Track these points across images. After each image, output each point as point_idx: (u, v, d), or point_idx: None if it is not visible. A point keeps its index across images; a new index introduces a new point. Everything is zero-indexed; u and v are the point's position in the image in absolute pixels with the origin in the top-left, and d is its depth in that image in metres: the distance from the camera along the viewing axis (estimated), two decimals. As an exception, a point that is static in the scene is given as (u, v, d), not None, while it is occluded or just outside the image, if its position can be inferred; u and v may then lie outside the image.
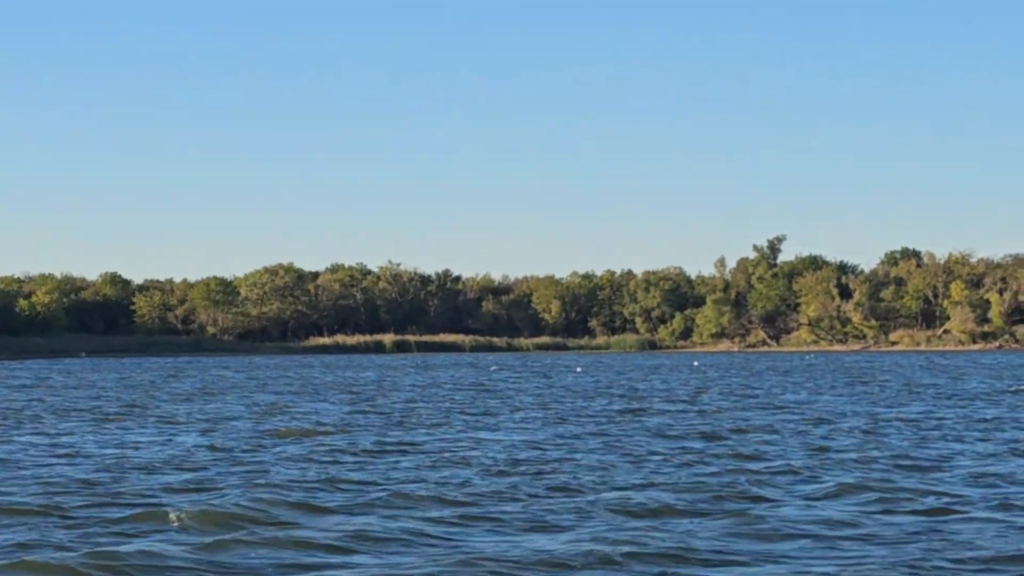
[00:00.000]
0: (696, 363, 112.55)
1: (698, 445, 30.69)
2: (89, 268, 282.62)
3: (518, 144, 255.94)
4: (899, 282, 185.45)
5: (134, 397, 55.42)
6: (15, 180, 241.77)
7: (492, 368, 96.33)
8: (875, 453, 28.08)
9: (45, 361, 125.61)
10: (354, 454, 28.52)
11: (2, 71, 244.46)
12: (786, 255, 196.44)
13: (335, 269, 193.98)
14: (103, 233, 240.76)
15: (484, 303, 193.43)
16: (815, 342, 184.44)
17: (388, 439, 32.60)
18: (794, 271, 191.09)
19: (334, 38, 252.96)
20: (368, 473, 24.78)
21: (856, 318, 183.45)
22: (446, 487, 22.33)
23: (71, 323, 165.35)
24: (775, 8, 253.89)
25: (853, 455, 27.64)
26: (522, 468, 25.49)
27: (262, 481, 23.24)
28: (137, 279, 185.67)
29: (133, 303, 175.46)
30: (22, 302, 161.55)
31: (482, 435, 33.92)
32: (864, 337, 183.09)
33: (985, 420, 38.27)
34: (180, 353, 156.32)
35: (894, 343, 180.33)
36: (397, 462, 26.88)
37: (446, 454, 28.42)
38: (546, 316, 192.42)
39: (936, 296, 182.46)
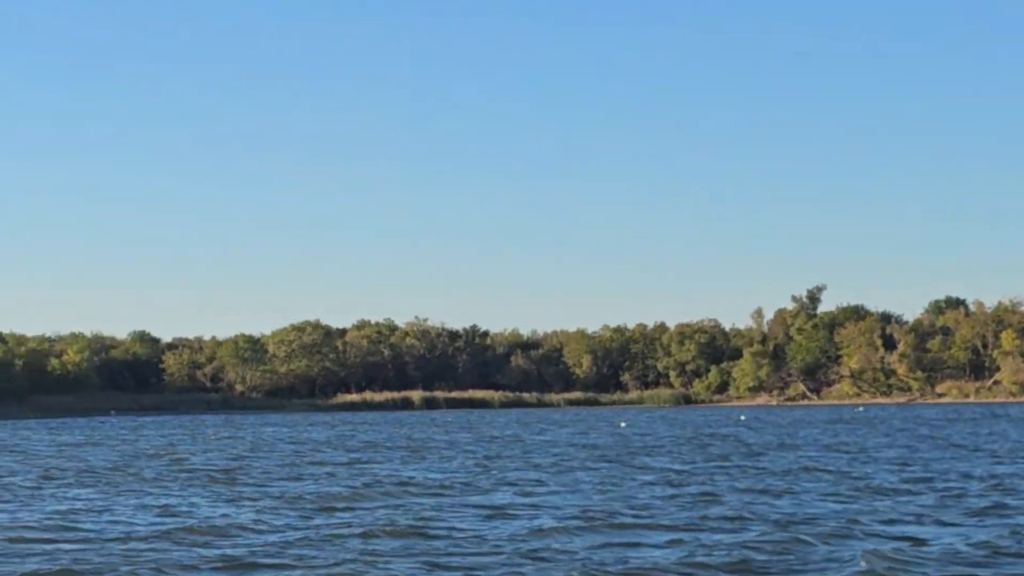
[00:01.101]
0: (742, 416, 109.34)
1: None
2: (118, 326, 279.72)
3: (545, 196, 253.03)
4: (946, 332, 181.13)
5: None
6: (44, 239, 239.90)
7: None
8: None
9: (81, 420, 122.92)
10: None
11: (35, 128, 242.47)
12: (826, 305, 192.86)
13: (362, 325, 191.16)
14: (132, 291, 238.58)
15: (513, 358, 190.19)
16: (857, 395, 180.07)
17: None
18: (835, 322, 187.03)
19: (348, 89, 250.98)
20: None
21: (901, 369, 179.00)
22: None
23: (102, 381, 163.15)
24: (804, 42, 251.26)
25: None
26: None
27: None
28: (166, 337, 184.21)
29: (162, 361, 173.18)
30: (53, 361, 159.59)
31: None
32: (909, 389, 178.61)
33: None
34: (209, 411, 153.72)
35: (941, 395, 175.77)
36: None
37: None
38: (577, 371, 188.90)
39: (985, 346, 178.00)
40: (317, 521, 26.02)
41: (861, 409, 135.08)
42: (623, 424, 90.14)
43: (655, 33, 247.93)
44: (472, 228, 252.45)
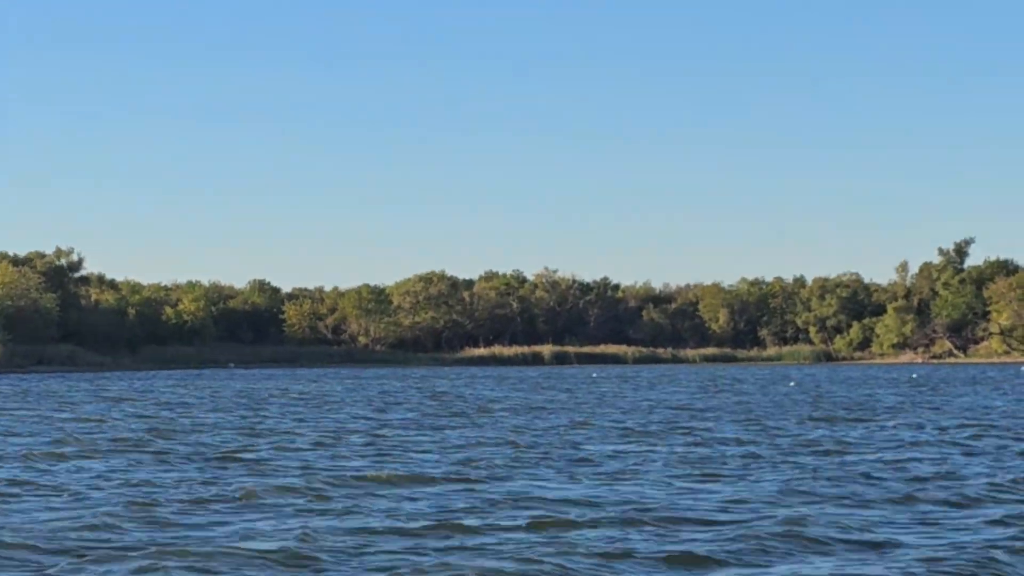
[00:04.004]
0: (914, 375, 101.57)
1: None
2: (237, 276, 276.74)
3: (678, 143, 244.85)
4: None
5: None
6: (159, 187, 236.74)
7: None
8: None
9: (197, 372, 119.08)
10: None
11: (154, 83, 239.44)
12: (974, 259, 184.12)
13: (490, 277, 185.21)
14: (250, 240, 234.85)
15: (645, 312, 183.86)
16: (1007, 352, 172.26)
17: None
18: (983, 276, 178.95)
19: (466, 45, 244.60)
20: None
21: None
22: None
23: (219, 332, 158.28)
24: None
25: None
26: None
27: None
28: (286, 287, 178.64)
29: (282, 312, 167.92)
30: (168, 310, 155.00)
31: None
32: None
33: None
34: (331, 364, 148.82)
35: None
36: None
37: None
38: (713, 326, 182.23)
39: None
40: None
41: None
42: (792, 383, 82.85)
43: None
44: (599, 178, 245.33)
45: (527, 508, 21.22)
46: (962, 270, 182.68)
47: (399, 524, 19.37)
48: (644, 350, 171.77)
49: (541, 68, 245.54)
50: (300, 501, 22.03)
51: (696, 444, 33.32)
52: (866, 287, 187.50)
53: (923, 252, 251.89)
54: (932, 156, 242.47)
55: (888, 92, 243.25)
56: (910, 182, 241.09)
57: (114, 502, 21.71)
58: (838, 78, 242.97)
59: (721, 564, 16.74)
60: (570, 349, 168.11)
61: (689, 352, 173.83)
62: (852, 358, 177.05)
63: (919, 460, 28.73)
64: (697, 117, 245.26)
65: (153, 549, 17.32)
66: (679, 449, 31.85)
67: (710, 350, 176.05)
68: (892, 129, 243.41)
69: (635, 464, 28.15)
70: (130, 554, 17.05)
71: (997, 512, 20.65)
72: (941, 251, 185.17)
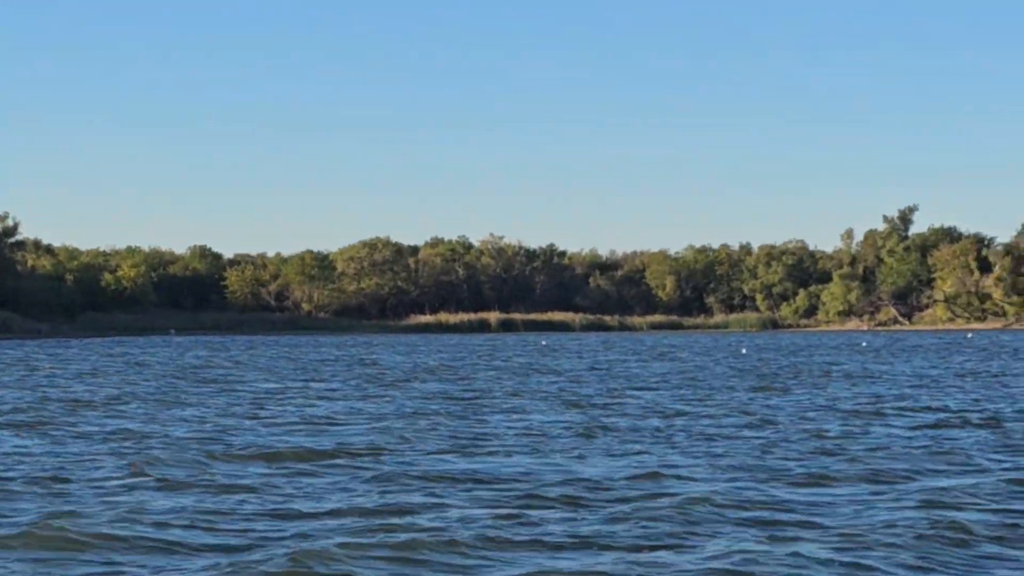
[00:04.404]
0: (863, 343, 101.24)
1: None
2: (177, 241, 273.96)
3: (625, 111, 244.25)
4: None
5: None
6: (99, 149, 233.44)
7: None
8: None
9: (133, 339, 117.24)
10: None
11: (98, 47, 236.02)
12: (919, 226, 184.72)
13: (435, 243, 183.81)
14: (192, 205, 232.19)
15: (591, 279, 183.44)
16: (951, 319, 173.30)
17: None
18: (927, 244, 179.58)
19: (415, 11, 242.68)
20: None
21: (997, 294, 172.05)
22: None
23: (159, 299, 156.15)
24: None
25: None
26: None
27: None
28: (228, 253, 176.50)
29: (224, 278, 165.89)
30: (107, 276, 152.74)
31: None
32: (1004, 314, 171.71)
33: None
34: (274, 332, 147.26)
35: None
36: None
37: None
38: (660, 293, 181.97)
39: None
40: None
41: (970, 336, 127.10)
42: (743, 351, 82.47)
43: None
44: (544, 144, 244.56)
45: (435, 483, 20.28)
46: (907, 237, 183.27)
47: (311, 505, 18.37)
48: (591, 317, 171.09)
49: (483, 40, 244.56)
50: (202, 478, 20.92)
51: (629, 415, 32.47)
52: (812, 254, 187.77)
53: (868, 219, 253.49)
54: (876, 124, 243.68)
55: (831, 60, 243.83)
56: (855, 150, 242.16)
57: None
58: (781, 47, 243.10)
59: (636, 542, 15.82)
60: (517, 316, 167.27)
61: (636, 319, 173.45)
62: (798, 325, 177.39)
63: (854, 433, 28.02)
64: (642, 87, 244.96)
65: (31, 532, 16.23)
66: (611, 419, 30.99)
67: (657, 317, 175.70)
68: (837, 97, 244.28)
69: (567, 436, 27.27)
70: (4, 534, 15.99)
71: (920, 486, 19.96)
72: (886, 218, 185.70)
